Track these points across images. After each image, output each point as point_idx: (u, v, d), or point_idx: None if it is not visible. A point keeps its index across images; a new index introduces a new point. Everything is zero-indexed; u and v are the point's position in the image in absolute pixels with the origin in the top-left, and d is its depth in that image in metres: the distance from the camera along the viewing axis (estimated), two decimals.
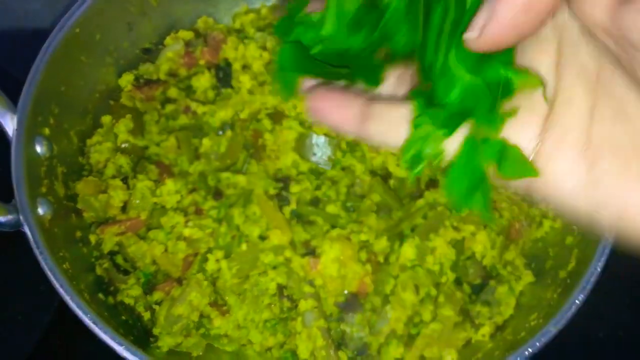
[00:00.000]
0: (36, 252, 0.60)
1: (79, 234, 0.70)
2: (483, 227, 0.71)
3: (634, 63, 0.28)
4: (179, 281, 0.69)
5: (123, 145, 0.75)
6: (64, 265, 0.61)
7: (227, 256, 0.69)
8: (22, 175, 0.63)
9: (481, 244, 0.70)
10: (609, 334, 0.80)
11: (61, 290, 0.58)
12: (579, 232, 0.70)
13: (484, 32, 0.30)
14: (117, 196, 0.71)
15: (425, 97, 0.35)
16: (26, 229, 0.61)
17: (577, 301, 0.61)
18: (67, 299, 0.58)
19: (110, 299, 0.68)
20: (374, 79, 0.39)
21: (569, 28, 0.31)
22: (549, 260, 0.72)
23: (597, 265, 0.63)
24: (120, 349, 0.56)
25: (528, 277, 0.72)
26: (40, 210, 0.64)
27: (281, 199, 0.73)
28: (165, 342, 0.66)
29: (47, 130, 0.68)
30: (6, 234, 0.66)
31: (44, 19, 1.15)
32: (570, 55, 0.32)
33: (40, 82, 0.67)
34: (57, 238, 0.64)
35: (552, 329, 0.61)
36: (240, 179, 0.74)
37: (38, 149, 0.67)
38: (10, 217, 0.61)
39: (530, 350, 0.59)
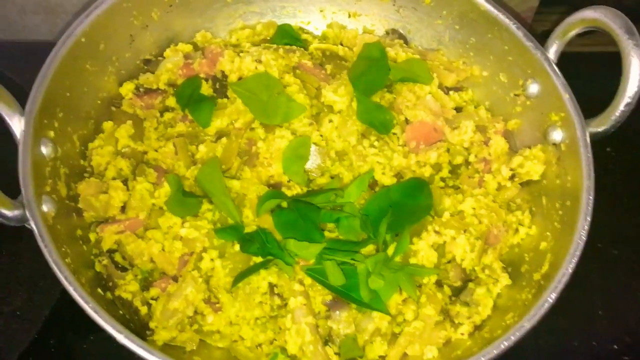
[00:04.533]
0: (41, 245, 0.62)
1: (79, 232, 0.73)
2: (463, 232, 0.75)
3: None
4: (175, 279, 0.72)
5: (123, 150, 0.79)
6: (67, 260, 0.64)
7: (221, 256, 0.73)
8: (29, 174, 0.66)
9: (461, 248, 0.74)
10: (582, 344, 0.84)
11: (65, 282, 0.61)
12: (552, 238, 0.74)
13: None
14: (117, 197, 0.74)
15: None
16: (32, 224, 0.63)
17: (549, 299, 0.65)
18: (70, 289, 0.61)
19: (109, 294, 0.71)
20: None
21: None
22: (525, 264, 0.77)
23: (568, 267, 0.67)
24: (120, 337, 0.59)
25: (505, 280, 0.76)
26: (45, 207, 0.67)
27: None
28: (161, 336, 0.69)
29: (52, 133, 0.72)
30: (7, 233, 0.69)
31: (43, 33, 1.19)
32: None
33: (48, 87, 0.70)
34: (60, 234, 0.67)
35: (526, 324, 0.64)
36: (235, 184, 0.77)
37: (43, 150, 0.70)
38: (17, 212, 0.63)
39: (505, 344, 0.63)
